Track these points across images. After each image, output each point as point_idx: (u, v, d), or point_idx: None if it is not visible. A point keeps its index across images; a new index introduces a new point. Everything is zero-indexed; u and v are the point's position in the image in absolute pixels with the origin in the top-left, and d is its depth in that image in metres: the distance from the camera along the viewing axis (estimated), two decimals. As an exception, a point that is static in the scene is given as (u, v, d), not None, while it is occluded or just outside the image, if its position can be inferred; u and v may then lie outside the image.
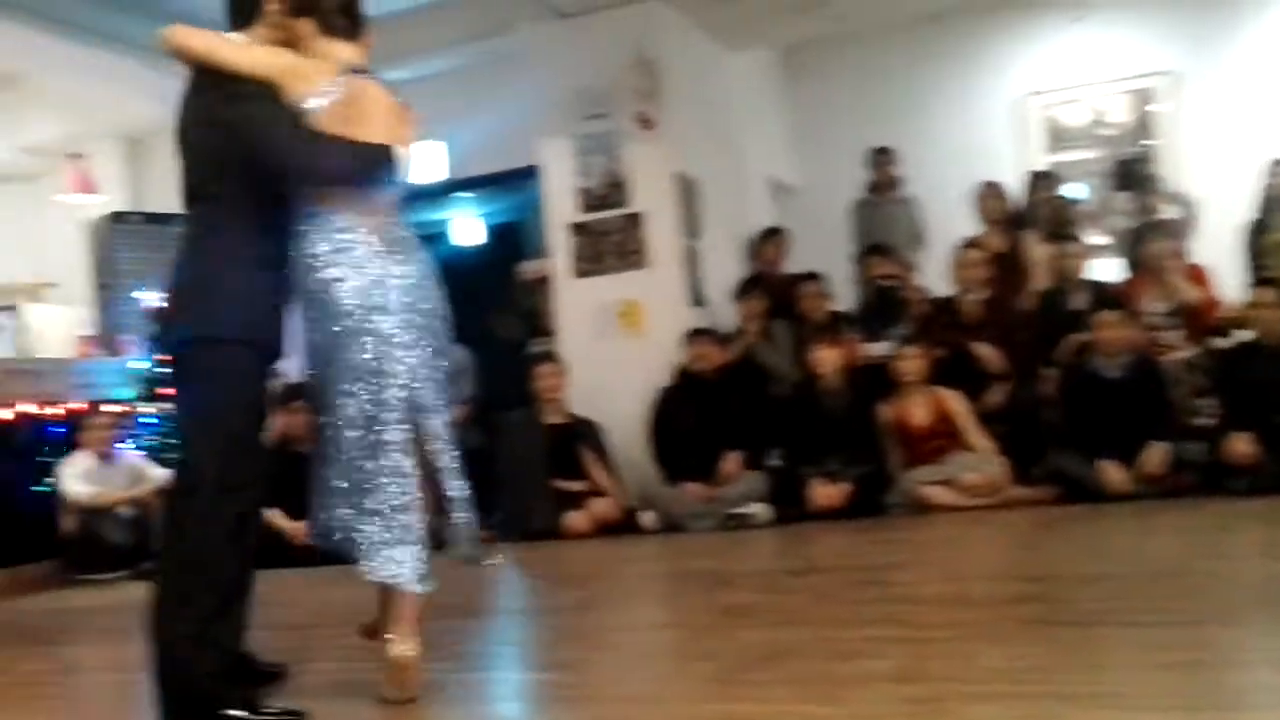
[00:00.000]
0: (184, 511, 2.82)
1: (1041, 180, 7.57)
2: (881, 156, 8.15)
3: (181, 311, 2.92)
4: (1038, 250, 7.04)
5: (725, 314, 7.40)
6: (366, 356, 2.84)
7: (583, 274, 7.38)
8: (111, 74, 7.52)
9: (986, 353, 6.56)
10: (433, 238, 9.36)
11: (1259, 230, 6.98)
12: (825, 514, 6.08)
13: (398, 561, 2.85)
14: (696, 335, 6.79)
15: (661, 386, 6.79)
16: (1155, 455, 5.73)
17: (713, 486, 6.39)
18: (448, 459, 2.98)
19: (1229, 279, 6.74)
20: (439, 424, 2.95)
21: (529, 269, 8.34)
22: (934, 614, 3.56)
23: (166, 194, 9.18)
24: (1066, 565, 4.25)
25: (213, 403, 2.82)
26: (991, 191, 7.40)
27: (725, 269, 7.65)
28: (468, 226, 9.53)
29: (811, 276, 7.38)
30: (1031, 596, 3.68)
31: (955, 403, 6.32)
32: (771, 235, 7.84)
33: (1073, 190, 7.74)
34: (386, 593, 2.93)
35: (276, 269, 2.90)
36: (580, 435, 6.73)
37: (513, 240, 9.13)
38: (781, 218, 8.37)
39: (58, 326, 7.99)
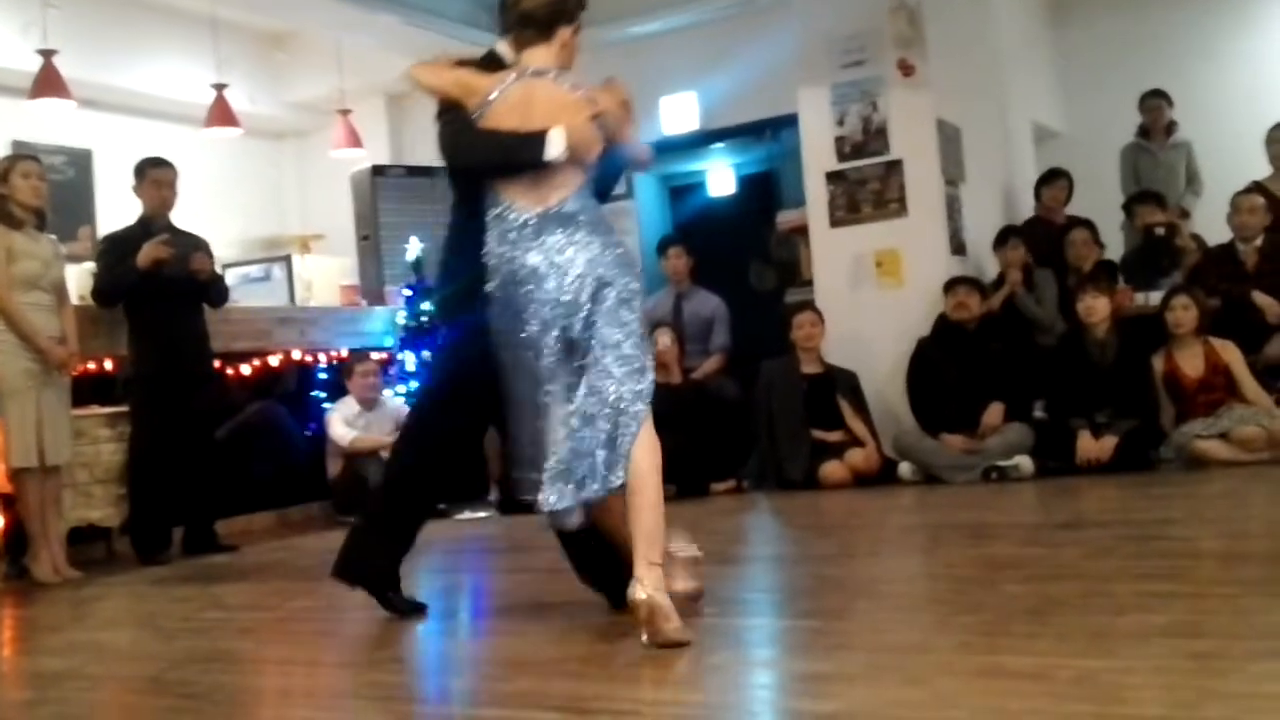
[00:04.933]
0: None
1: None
2: (1154, 100, 7.77)
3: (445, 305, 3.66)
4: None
5: (988, 262, 7.28)
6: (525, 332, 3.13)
7: (839, 223, 7.40)
8: (374, 32, 7.92)
9: (1265, 302, 6.24)
10: (689, 188, 9.59)
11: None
12: (1092, 468, 5.96)
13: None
14: (956, 284, 6.71)
15: (920, 337, 6.77)
16: None
17: (974, 438, 6.35)
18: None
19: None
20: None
21: (786, 219, 8.41)
22: (1212, 570, 3.50)
23: (426, 148, 9.79)
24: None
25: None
26: (1281, 135, 6.96)
27: (987, 217, 7.51)
28: (723, 177, 9.67)
29: (1081, 223, 7.16)
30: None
31: (1231, 354, 6.06)
32: (1054, 178, 7.60)
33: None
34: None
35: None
36: (838, 385, 6.78)
37: (769, 190, 9.21)
38: (1046, 164, 8.12)
39: (326, 277, 8.18)
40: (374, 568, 3.57)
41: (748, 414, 6.93)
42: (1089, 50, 8.78)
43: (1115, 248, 7.41)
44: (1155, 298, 6.54)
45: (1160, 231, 6.94)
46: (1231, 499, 5.12)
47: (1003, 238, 7.07)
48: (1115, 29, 8.64)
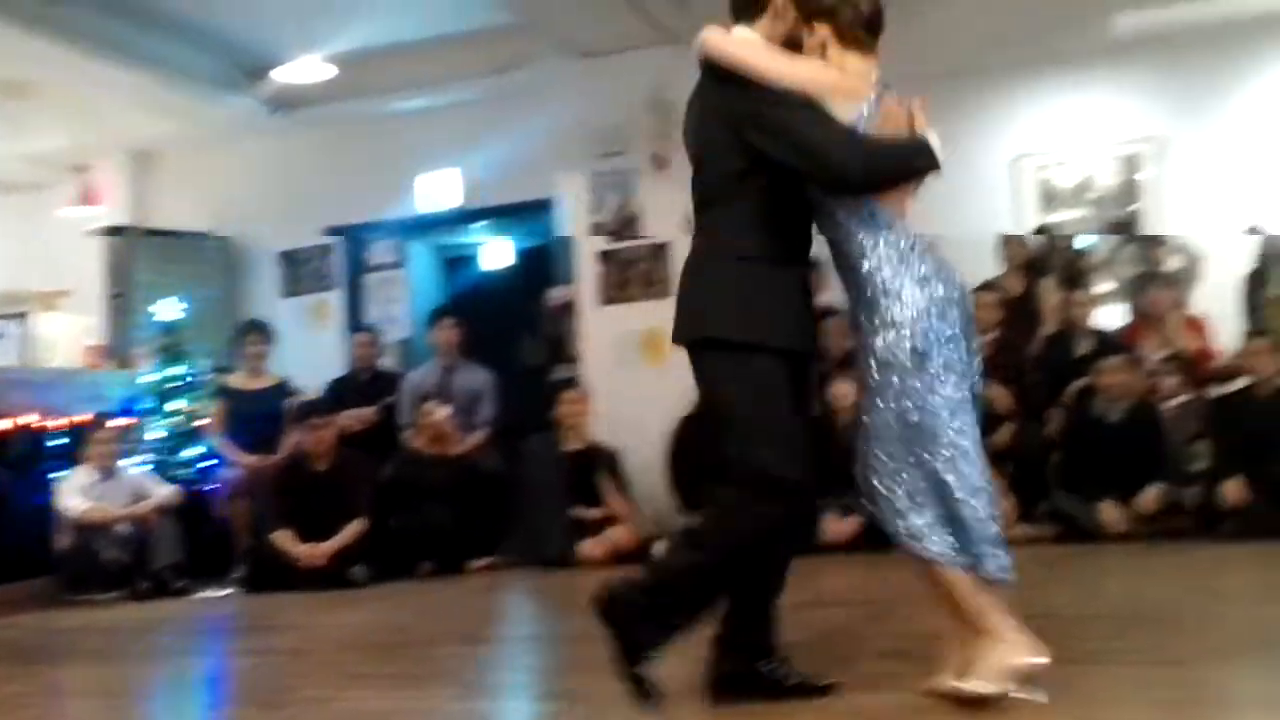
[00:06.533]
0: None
1: (1046, 231, 7.69)
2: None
3: (712, 317, 2.94)
4: (1051, 296, 7.16)
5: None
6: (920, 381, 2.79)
7: (608, 301, 7.52)
8: (120, 87, 7.56)
9: (996, 393, 6.68)
10: (464, 260, 9.56)
11: (1256, 284, 7.07)
12: (837, 547, 6.17)
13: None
14: (717, 367, 6.87)
15: (681, 415, 6.90)
16: (1151, 497, 5.93)
17: (728, 517, 6.47)
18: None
19: (1228, 330, 6.81)
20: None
21: (555, 295, 8.48)
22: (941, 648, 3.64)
23: (172, 209, 9.42)
24: (1066, 604, 4.33)
25: (750, 403, 2.88)
26: (1015, 238, 7.51)
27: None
28: (500, 250, 9.69)
29: (833, 312, 7.47)
30: (1034, 634, 3.75)
31: (967, 441, 6.42)
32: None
33: (1083, 240, 7.84)
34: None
35: (799, 271, 2.95)
36: (599, 462, 6.84)
37: (541, 266, 9.28)
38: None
39: (67, 336, 7.77)
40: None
41: (509, 490, 6.89)
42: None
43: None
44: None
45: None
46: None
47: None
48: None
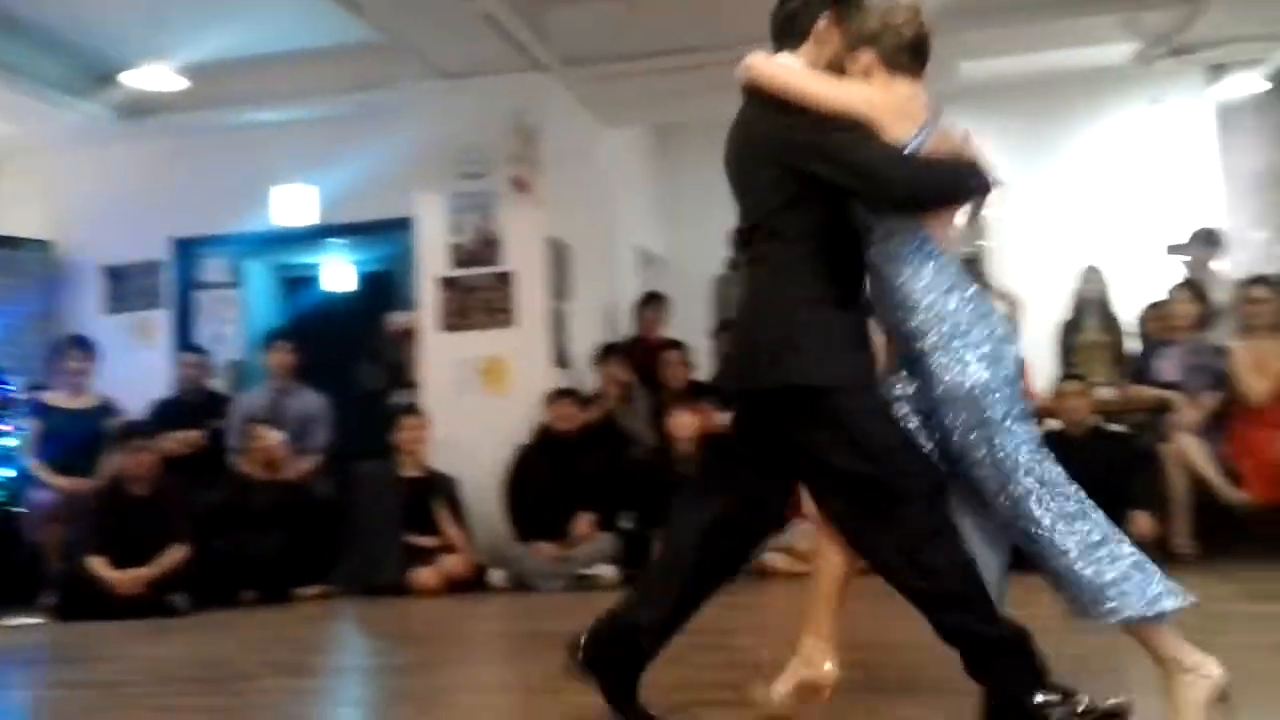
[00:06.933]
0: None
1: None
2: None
3: (774, 361, 2.80)
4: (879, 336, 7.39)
5: (589, 376, 7.57)
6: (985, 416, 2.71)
7: (450, 328, 7.46)
8: None
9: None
10: (304, 281, 9.36)
11: (1071, 330, 7.48)
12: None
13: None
14: (558, 396, 6.92)
15: (521, 444, 6.90)
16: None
17: (564, 546, 6.51)
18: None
19: (1046, 373, 7.13)
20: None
21: (397, 319, 8.38)
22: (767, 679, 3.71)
23: (6, 215, 8.87)
24: (884, 633, 4.46)
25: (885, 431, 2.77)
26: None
27: (591, 333, 7.83)
28: (339, 272, 9.53)
29: (673, 344, 7.61)
30: (853, 664, 3.85)
31: (803, 474, 6.58)
32: (652, 301, 8.06)
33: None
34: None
35: (856, 308, 2.85)
36: (435, 490, 6.77)
37: (383, 289, 9.16)
38: (649, 285, 8.61)
39: None
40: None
41: (341, 516, 6.76)
42: (691, 184, 9.43)
43: (705, 369, 7.92)
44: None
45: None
46: (789, 611, 5.48)
47: (604, 354, 7.39)
48: (712, 169, 9.29)
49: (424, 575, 6.45)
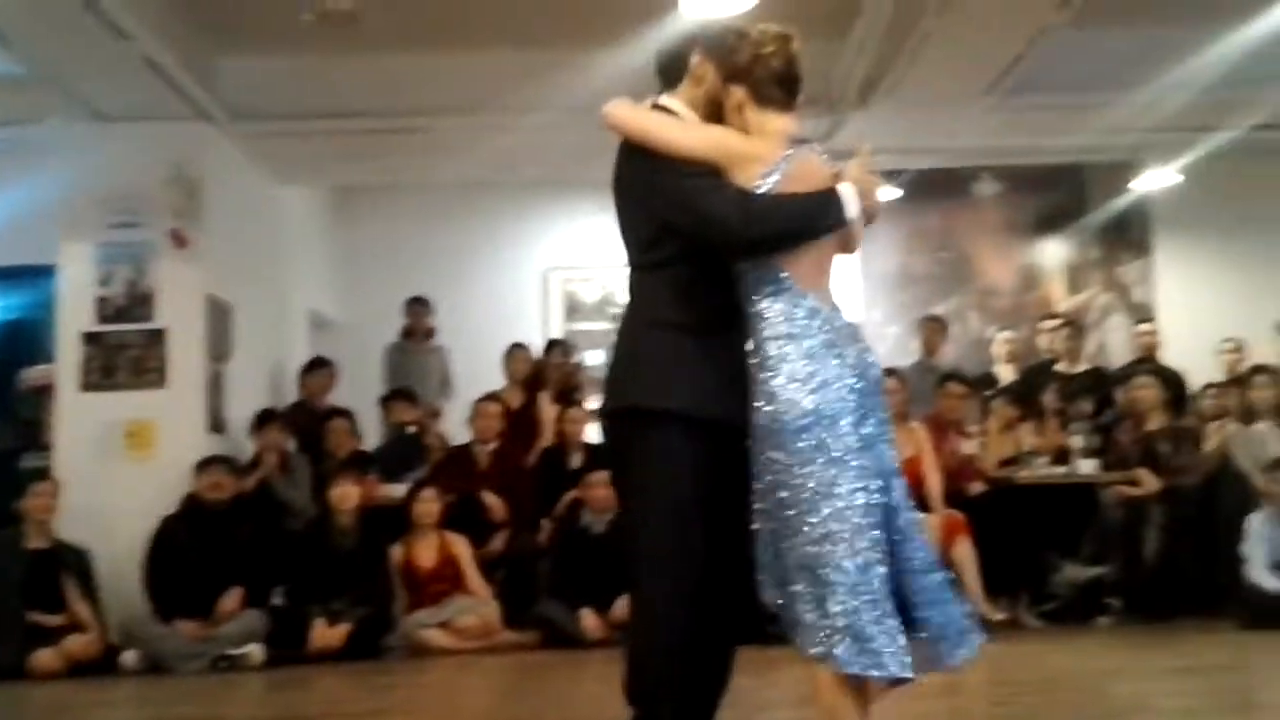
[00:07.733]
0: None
1: (556, 346, 8.13)
2: (417, 306, 8.43)
3: (619, 384, 2.85)
4: (549, 410, 7.52)
5: (247, 443, 7.22)
6: (812, 481, 2.64)
7: (91, 387, 6.94)
8: None
9: (493, 501, 6.92)
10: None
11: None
12: (325, 655, 6.01)
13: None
14: (210, 463, 6.56)
15: (167, 515, 6.47)
16: (625, 606, 6.29)
17: (208, 625, 6.13)
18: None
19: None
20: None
21: (33, 374, 7.72)
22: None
23: None
24: (545, 712, 4.49)
25: (650, 477, 2.75)
26: (519, 352, 7.82)
27: (253, 396, 7.49)
28: (-32, 321, 8.68)
29: (341, 412, 7.41)
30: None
31: (461, 547, 6.59)
32: (318, 366, 7.82)
33: (588, 356, 8.34)
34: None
35: (722, 340, 2.80)
36: (64, 563, 6.22)
37: (20, 340, 8.41)
38: (321, 349, 8.36)
39: None
40: None
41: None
42: (367, 249, 9.32)
43: (372, 438, 7.75)
44: (401, 489, 6.90)
45: (411, 429, 7.44)
46: (444, 689, 5.43)
47: (262, 420, 7.09)
48: (389, 234, 9.25)
49: (44, 657, 5.88)
